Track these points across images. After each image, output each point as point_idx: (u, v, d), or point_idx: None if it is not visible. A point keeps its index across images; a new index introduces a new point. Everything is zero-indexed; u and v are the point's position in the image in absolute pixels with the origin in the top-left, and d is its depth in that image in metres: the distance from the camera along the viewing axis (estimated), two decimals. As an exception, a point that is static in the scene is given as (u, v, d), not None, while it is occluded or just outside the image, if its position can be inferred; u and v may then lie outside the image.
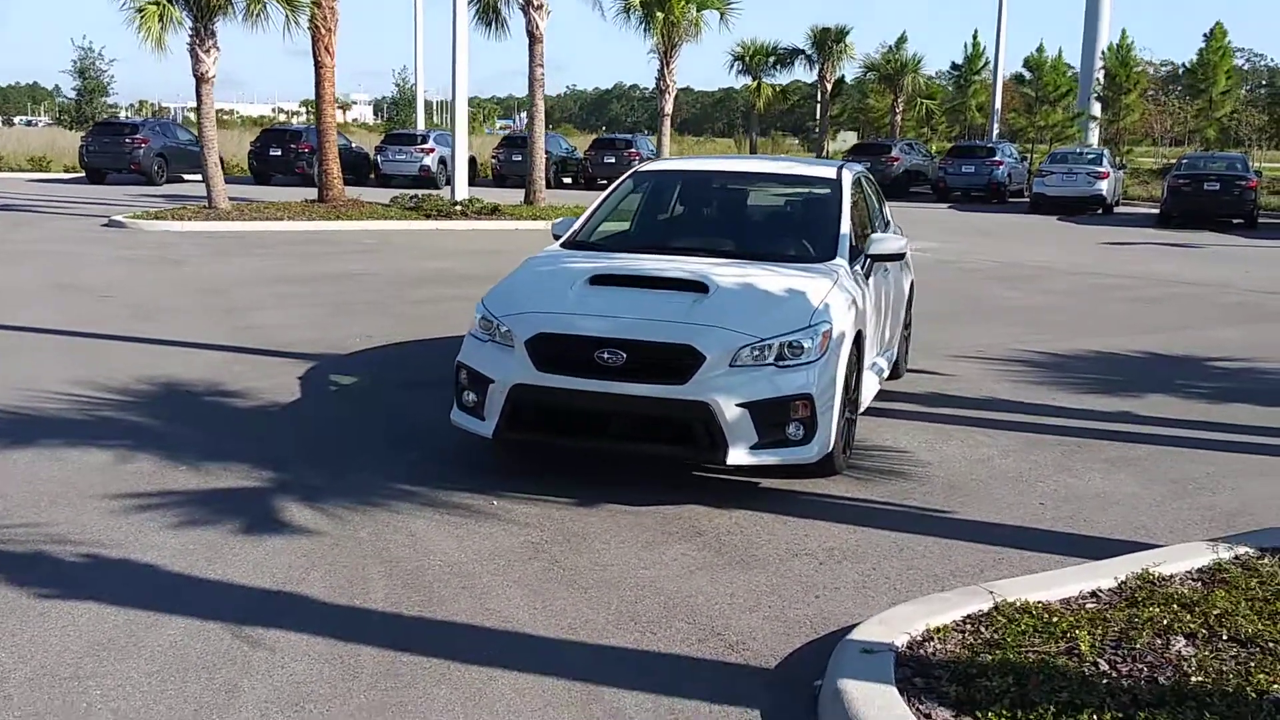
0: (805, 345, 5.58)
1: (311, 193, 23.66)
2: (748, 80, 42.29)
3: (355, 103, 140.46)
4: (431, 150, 32.81)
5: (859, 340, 6.24)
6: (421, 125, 40.04)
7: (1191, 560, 4.60)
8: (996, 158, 32.45)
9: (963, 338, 10.66)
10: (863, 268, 6.75)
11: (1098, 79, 40.51)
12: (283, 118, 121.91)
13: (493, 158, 35.97)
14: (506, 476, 5.95)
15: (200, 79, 20.23)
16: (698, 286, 5.88)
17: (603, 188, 28.97)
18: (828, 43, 39.83)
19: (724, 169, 7.84)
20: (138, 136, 29.76)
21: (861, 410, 6.72)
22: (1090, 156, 29.83)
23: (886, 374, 7.80)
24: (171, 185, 29.80)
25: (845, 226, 6.75)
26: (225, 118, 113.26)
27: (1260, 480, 6.27)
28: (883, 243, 6.74)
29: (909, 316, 8.90)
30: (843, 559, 4.95)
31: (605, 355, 5.49)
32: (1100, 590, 4.31)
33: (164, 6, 19.35)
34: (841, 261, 6.45)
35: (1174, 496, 5.95)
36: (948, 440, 6.95)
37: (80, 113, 43.67)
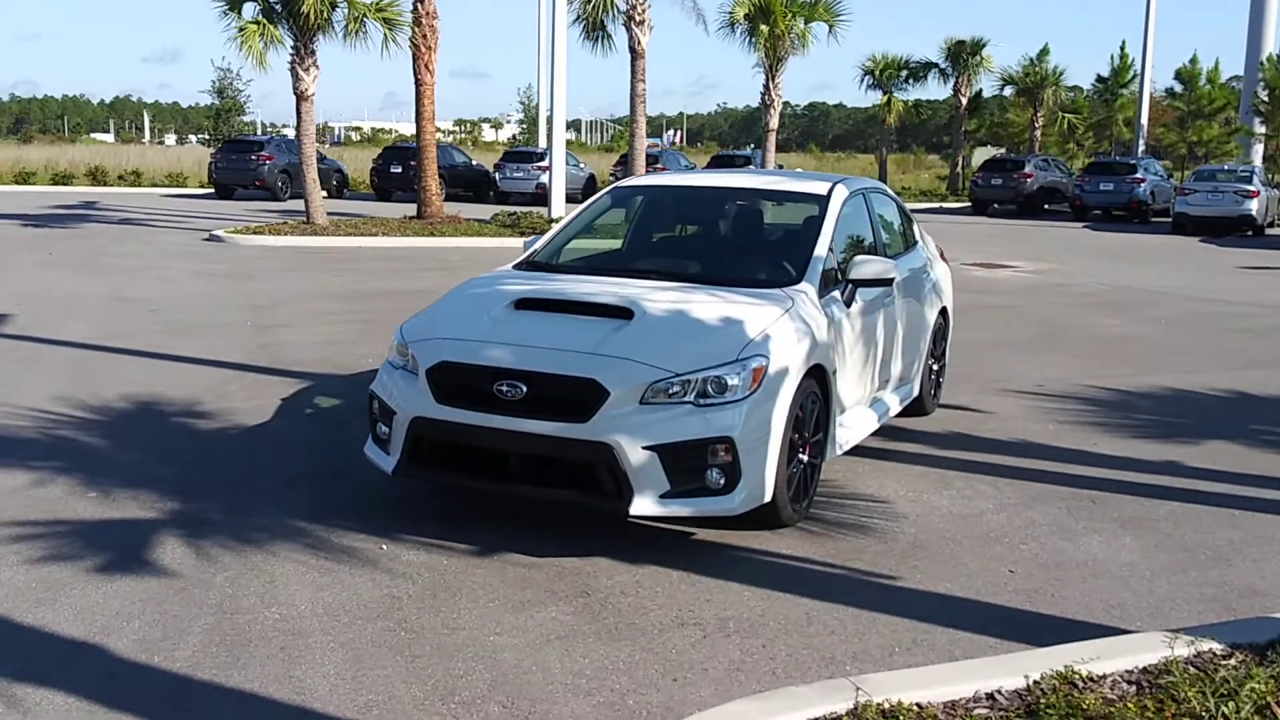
0: (730, 382, 4.91)
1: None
2: (878, 96, 41.02)
3: (509, 120, 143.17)
4: (548, 168, 32.74)
5: (821, 375, 5.52)
6: (543, 143, 40.14)
7: (1137, 656, 3.77)
8: (1138, 174, 30.52)
9: (1027, 370, 9.70)
10: (844, 294, 6.02)
11: (1258, 93, 37.80)
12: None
13: (611, 175, 35.82)
14: (420, 518, 5.45)
15: (300, 96, 20.52)
16: (622, 313, 5.28)
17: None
18: (963, 55, 38.32)
19: (707, 184, 7.18)
20: (263, 154, 30.55)
21: (842, 452, 5.99)
22: (1240, 174, 27.71)
23: (895, 411, 7.02)
24: (295, 200, 30.41)
25: (821, 249, 6.03)
26: (384, 136, 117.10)
27: (1297, 551, 5.30)
28: (863, 266, 5.98)
29: (942, 347, 8.07)
30: (734, 632, 4.26)
31: (504, 388, 4.94)
32: (1001, 692, 3.53)
33: (264, 26, 19.69)
34: (806, 287, 5.74)
35: (1177, 568, 5.05)
36: (943, 489, 6.15)
37: (217, 131, 45.39)
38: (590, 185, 34.67)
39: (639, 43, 22.17)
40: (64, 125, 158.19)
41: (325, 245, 19.56)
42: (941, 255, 8.44)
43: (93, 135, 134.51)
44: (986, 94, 42.69)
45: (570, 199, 24.47)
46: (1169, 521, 5.68)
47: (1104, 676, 3.62)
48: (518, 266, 6.40)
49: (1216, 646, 3.83)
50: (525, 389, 4.90)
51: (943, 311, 7.93)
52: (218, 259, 17.23)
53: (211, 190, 32.43)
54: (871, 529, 5.47)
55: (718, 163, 35.55)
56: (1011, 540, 5.36)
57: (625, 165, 34.14)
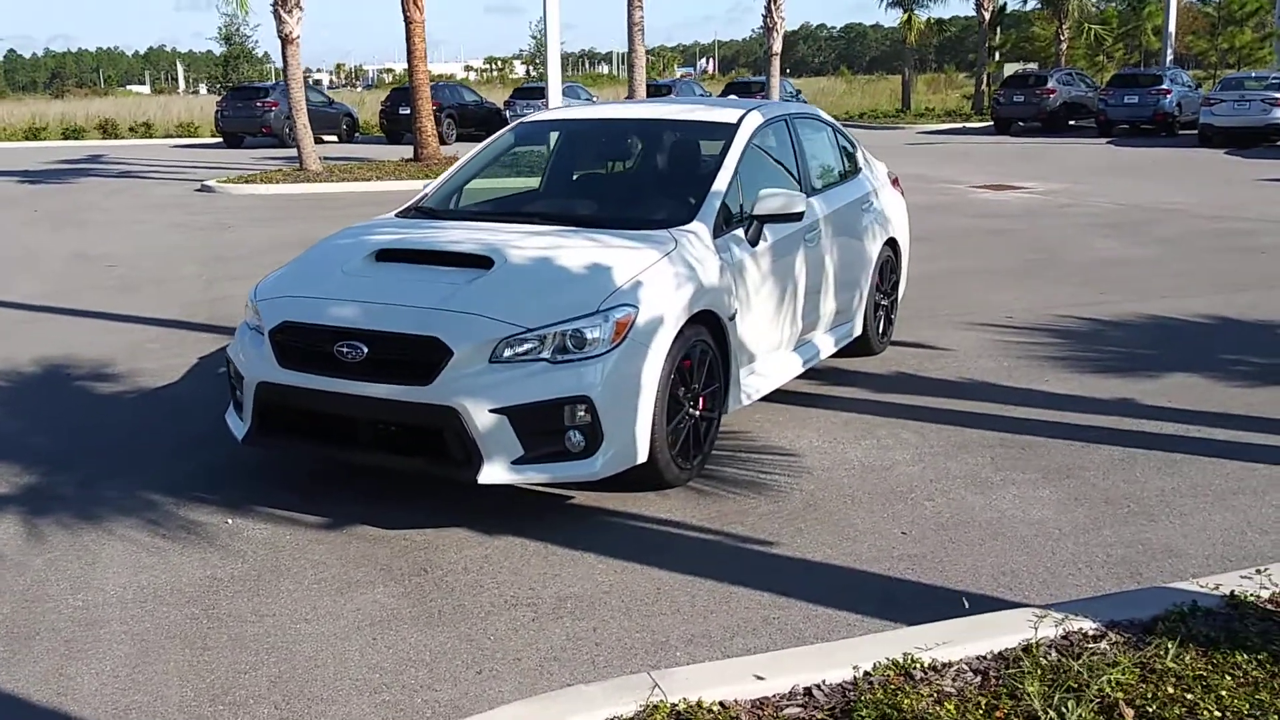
0: (589, 335, 4.47)
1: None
2: (895, 15, 39.73)
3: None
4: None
5: (713, 321, 5.07)
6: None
7: (994, 639, 3.33)
8: (1163, 86, 29.24)
9: (1004, 300, 9.16)
10: (748, 232, 5.53)
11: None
12: (471, 76, 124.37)
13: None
14: (280, 487, 5.09)
15: (285, 40, 20.05)
16: (482, 262, 4.84)
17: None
18: (984, -31, 36.82)
19: (615, 117, 6.67)
20: (268, 100, 30.11)
21: (749, 401, 5.55)
22: (1270, 81, 26.41)
23: (827, 353, 6.56)
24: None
25: (720, 184, 5.53)
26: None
27: (1231, 503, 4.80)
28: (765, 201, 5.48)
29: (892, 280, 7.55)
30: (568, 614, 3.87)
31: (344, 349, 4.53)
32: (822, 686, 3.11)
33: (243, -33, 19.14)
34: (697, 226, 5.26)
35: (1091, 525, 4.58)
36: (862, 439, 5.70)
37: (226, 79, 44.94)
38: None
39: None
40: (99, 78, 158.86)
41: (315, 192, 19.18)
42: (894, 182, 7.89)
43: (128, 87, 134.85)
44: (1011, 7, 41.17)
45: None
46: (1099, 470, 5.20)
47: (948, 665, 3.19)
48: (401, 214, 5.97)
49: (1090, 625, 3.38)
50: (366, 350, 4.49)
51: (890, 243, 7.40)
52: (202, 210, 16.92)
53: (220, 139, 32.10)
54: (767, 486, 5.04)
55: (732, 89, 34.62)
56: (916, 496, 4.91)
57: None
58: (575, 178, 6.58)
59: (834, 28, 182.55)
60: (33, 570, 4.26)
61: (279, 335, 4.74)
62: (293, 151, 26.91)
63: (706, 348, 5.02)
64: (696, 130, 6.19)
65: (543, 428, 4.42)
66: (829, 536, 4.49)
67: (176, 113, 40.36)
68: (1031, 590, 4.00)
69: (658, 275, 4.78)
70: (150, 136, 35.83)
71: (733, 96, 30.53)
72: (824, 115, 7.22)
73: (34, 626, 3.82)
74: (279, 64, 19.64)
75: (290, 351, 4.70)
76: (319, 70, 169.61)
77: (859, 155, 7.40)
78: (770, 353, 5.85)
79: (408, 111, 31.50)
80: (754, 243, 5.54)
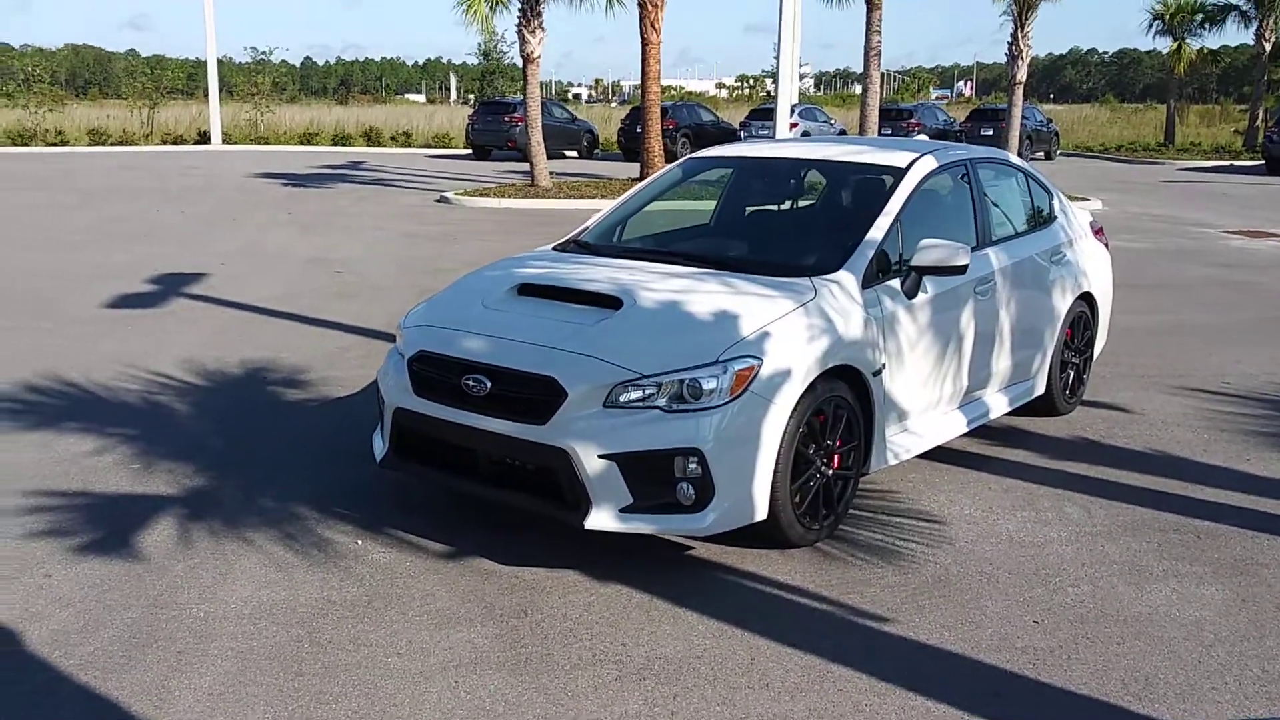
0: (706, 386, 4.36)
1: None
2: (1165, 42, 37.27)
3: (802, 75, 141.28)
4: (795, 125, 31.91)
5: (854, 376, 4.86)
6: (793, 99, 39.16)
7: (1085, 764, 3.01)
8: None
9: (1225, 362, 8.45)
10: (904, 283, 5.28)
11: None
12: (722, 94, 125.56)
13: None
14: (415, 510, 5.23)
15: (527, 59, 20.76)
16: (611, 302, 4.81)
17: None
18: (1267, -5, 34.11)
19: (780, 156, 6.49)
20: (515, 115, 31.25)
21: (897, 460, 5.31)
22: None
23: (999, 412, 6.21)
24: (548, 162, 31.05)
25: (876, 231, 5.30)
26: (672, 92, 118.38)
27: None
28: (925, 252, 5.21)
29: (1086, 337, 7.05)
30: (652, 676, 3.78)
31: (470, 382, 4.60)
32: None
33: (490, -11, 19.95)
34: (844, 276, 5.05)
35: (1256, 633, 4.11)
36: (1020, 510, 5.34)
37: (482, 93, 46.96)
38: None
39: (874, -8, 20.98)
40: (381, 86, 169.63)
41: (543, 208, 19.76)
42: (1097, 232, 7.38)
43: (406, 95, 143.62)
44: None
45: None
46: (1281, 570, 4.67)
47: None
48: (559, 246, 6.02)
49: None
50: (489, 384, 4.54)
51: (1085, 297, 6.91)
52: (435, 220, 17.73)
53: (470, 151, 33.59)
54: (900, 555, 4.79)
55: (976, 116, 33.47)
56: (1062, 580, 4.54)
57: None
58: (733, 218, 6.47)
59: (1106, 53, 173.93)
60: (171, 576, 4.52)
61: (416, 364, 4.86)
62: (532, 166, 27.85)
63: (843, 403, 4.82)
64: (864, 173, 5.97)
65: (652, 477, 4.34)
66: (951, 618, 4.21)
67: (437, 123, 42.56)
68: (1164, 702, 3.62)
69: (788, 326, 4.61)
70: (409, 145, 37.93)
71: (923, 137, 29.39)
72: (1014, 160, 6.82)
73: (154, 634, 4.04)
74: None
75: (424, 380, 4.81)
76: (579, 85, 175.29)
77: (1054, 203, 6.95)
78: (927, 410, 5.56)
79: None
80: (911, 294, 5.28)
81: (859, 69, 21.09)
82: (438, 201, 20.65)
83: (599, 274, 5.17)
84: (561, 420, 4.36)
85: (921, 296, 5.35)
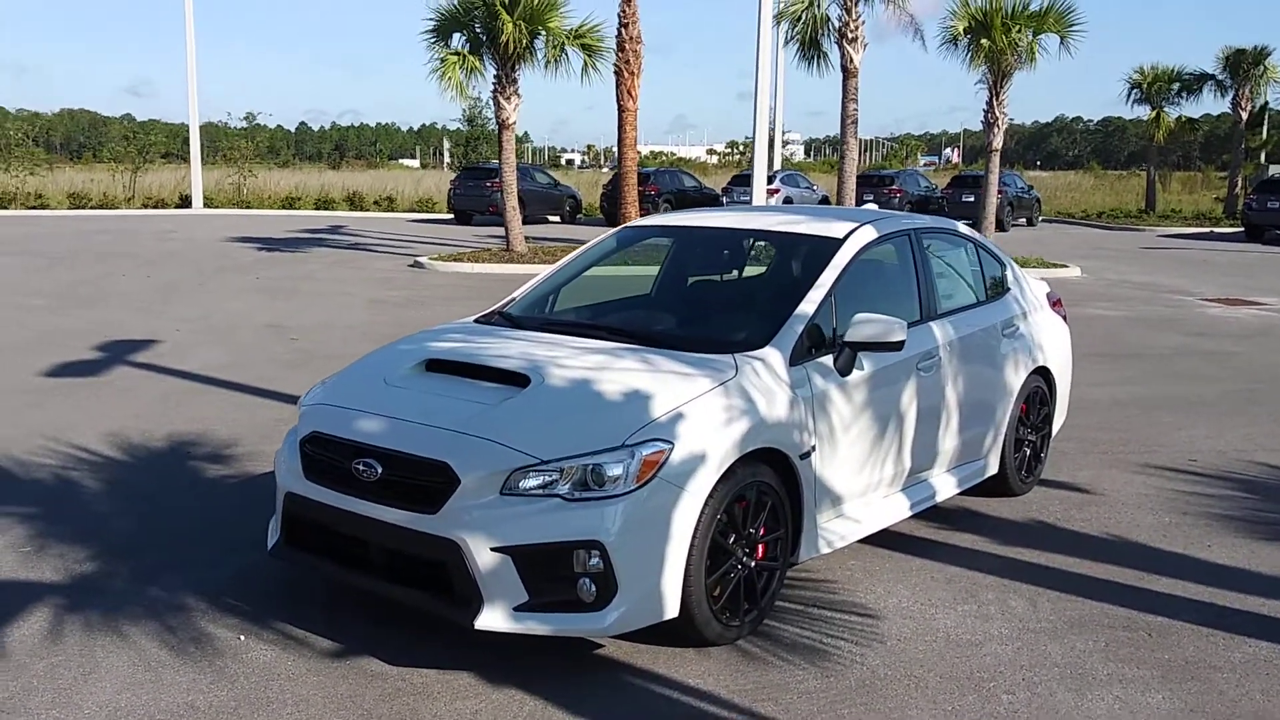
0: (610, 472, 4.04)
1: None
2: (1145, 110, 37.49)
3: (789, 141, 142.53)
4: (776, 191, 31.91)
5: (780, 460, 4.55)
6: (776, 164, 39.32)
7: None
8: None
9: (1196, 438, 8.15)
10: (837, 360, 4.98)
11: None
12: (712, 160, 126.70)
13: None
14: (311, 603, 4.87)
15: (502, 125, 20.69)
16: (518, 379, 4.50)
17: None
18: (1243, 66, 34.40)
19: (716, 225, 6.21)
20: (496, 180, 31.14)
21: (830, 549, 4.98)
22: None
23: (946, 494, 5.89)
24: (530, 226, 30.93)
25: (806, 306, 5.00)
26: (665, 158, 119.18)
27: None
28: (859, 327, 4.91)
29: (1043, 413, 6.75)
30: (529, 799, 3.40)
31: (360, 466, 4.28)
32: None
33: (464, 57, 19.91)
34: (769, 353, 4.75)
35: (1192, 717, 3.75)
36: (961, 604, 4.99)
37: (466, 158, 47.13)
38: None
39: (851, 60, 21.00)
40: (375, 151, 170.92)
41: (516, 273, 19.53)
42: (1054, 304, 7.11)
43: (401, 161, 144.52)
44: (1274, 106, 38.17)
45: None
46: (1236, 673, 4.32)
47: None
48: (481, 318, 5.72)
49: None
50: (380, 469, 4.22)
51: (1040, 371, 6.62)
52: (405, 285, 17.48)
53: (452, 216, 33.51)
54: (827, 655, 4.43)
55: (957, 183, 33.52)
56: (996, 686, 4.19)
57: (865, 186, 32.84)
58: (669, 289, 6.20)
59: (1091, 120, 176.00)
60: (29, 675, 4.15)
61: (307, 445, 4.54)
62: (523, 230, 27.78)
63: (767, 489, 4.49)
64: (800, 244, 5.68)
65: (550, 572, 4.00)
66: (871, 730, 3.85)
67: (424, 188, 42.50)
68: (1093, 836, 3.25)
69: (704, 407, 4.30)
70: (392, 210, 37.86)
71: (871, 206, 29.30)
72: (963, 229, 6.57)
73: (-11, 743, 3.67)
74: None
75: (315, 464, 4.49)
76: (571, 150, 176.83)
77: (1007, 274, 6.69)
78: (865, 494, 5.24)
79: (628, 195, 32.20)
80: (845, 372, 4.98)
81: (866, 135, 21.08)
82: (411, 266, 20.43)
83: (513, 349, 4.87)
84: (453, 509, 4.03)
85: (857, 374, 5.05)
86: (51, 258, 20.90)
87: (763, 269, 5.98)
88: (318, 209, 37.74)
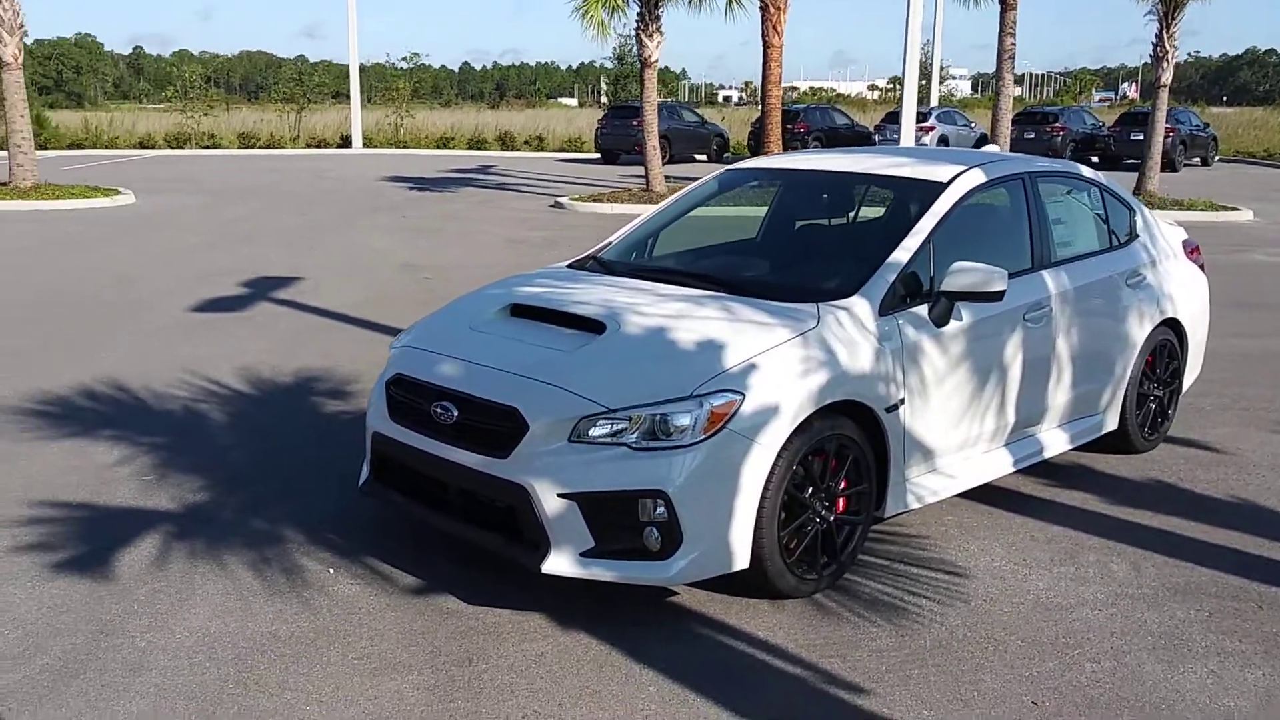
0: (678, 422, 3.99)
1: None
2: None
3: (955, 77, 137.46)
4: (931, 129, 30.97)
5: (864, 413, 4.43)
6: (934, 101, 38.00)
7: None
8: None
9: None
10: (932, 310, 4.80)
11: None
12: (873, 96, 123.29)
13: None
14: (399, 539, 5.00)
15: (644, 63, 20.56)
16: (595, 326, 4.48)
17: (1130, 167, 25.58)
18: None
19: (817, 168, 5.99)
20: (640, 119, 31.10)
21: (921, 504, 4.85)
22: None
23: (1056, 450, 5.67)
24: (675, 165, 30.83)
25: (901, 254, 4.82)
26: (824, 94, 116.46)
27: None
28: (956, 276, 4.71)
29: (1172, 367, 6.39)
30: (578, 743, 3.44)
31: (439, 409, 4.34)
32: None
33: (609, -5, 19.79)
34: (856, 302, 4.60)
35: (1291, 734, 3.52)
36: (1060, 564, 4.80)
37: (615, 97, 46.94)
38: (980, 144, 32.26)
39: (1009, -8, 20.05)
40: (535, 90, 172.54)
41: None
42: (1191, 252, 6.68)
43: (560, 99, 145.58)
44: None
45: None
46: (1348, 652, 4.03)
47: None
48: (574, 264, 5.72)
49: None
50: (456, 413, 4.28)
51: (1170, 324, 6.26)
52: (543, 225, 17.66)
53: (599, 155, 33.60)
54: (906, 613, 4.32)
55: (1125, 120, 31.74)
56: (1081, 653, 4.01)
57: (1023, 125, 31.48)
58: (773, 234, 6.05)
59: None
60: (130, 600, 4.38)
61: (392, 388, 4.64)
62: (667, 169, 27.70)
63: (849, 442, 4.38)
64: (902, 188, 5.47)
65: (616, 520, 4.00)
66: (938, 694, 3.74)
67: (576, 127, 42.65)
68: (1158, 817, 3.10)
69: (780, 358, 4.20)
70: (542, 149, 38.21)
71: (993, 148, 27.58)
72: (1086, 173, 6.21)
73: (87, 663, 3.90)
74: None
75: (398, 405, 4.58)
76: (728, 87, 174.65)
77: (1135, 220, 6.31)
78: (962, 449, 5.06)
79: (776, 133, 31.63)
80: (941, 322, 4.79)
81: (1020, 68, 20.16)
82: (551, 206, 20.60)
83: (595, 295, 4.85)
84: (522, 454, 4.06)
85: (954, 325, 4.86)
86: (217, 194, 21.85)
87: (857, 215, 5.78)
88: (470, 149, 38.36)
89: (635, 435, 4.00)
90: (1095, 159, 32.22)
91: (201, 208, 19.45)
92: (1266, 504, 5.58)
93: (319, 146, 38.07)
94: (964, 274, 4.71)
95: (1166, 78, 20.17)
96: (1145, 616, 4.32)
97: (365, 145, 37.72)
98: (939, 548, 4.96)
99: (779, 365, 4.18)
